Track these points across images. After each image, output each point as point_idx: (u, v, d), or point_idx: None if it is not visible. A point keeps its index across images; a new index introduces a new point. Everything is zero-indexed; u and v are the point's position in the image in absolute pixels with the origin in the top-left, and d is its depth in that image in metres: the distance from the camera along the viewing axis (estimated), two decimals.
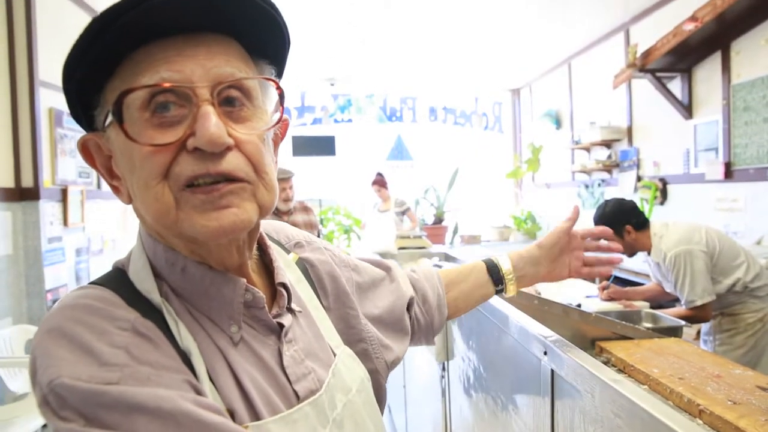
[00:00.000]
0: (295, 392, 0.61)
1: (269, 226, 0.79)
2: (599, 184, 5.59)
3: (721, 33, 3.82)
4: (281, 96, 0.61)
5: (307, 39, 5.28)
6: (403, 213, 5.84)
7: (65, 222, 3.76)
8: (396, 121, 7.74)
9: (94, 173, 4.29)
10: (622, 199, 2.56)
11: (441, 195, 7.38)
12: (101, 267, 4.38)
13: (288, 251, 0.77)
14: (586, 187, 5.84)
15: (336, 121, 7.47)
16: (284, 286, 0.66)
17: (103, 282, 0.58)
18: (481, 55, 6.20)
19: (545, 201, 7.02)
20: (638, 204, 4.70)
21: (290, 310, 0.67)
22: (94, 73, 0.54)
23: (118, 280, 0.58)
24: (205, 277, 0.59)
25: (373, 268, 0.90)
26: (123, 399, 0.46)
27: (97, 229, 4.34)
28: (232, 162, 0.54)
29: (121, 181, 0.59)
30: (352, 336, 0.77)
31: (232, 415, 0.54)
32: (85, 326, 0.50)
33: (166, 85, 0.52)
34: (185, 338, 0.55)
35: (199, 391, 0.52)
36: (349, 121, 7.53)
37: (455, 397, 2.04)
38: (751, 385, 1.18)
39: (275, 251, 0.70)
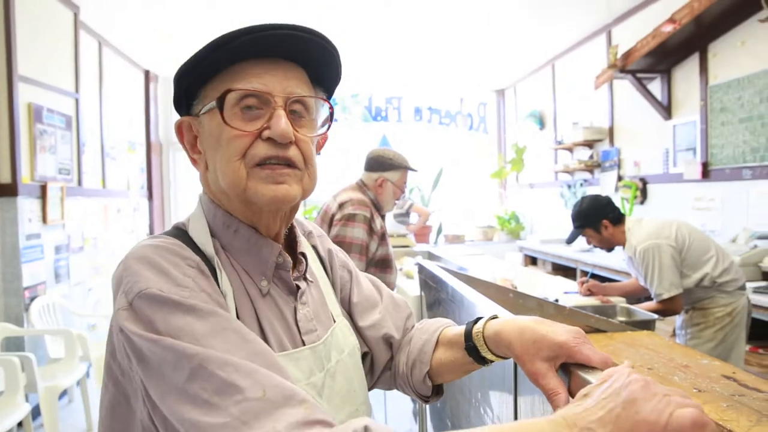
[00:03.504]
0: (303, 341, 0.79)
1: None
2: (581, 184, 5.65)
3: (699, 35, 3.89)
4: (331, 114, 0.83)
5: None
6: (407, 212, 5.79)
7: (44, 219, 3.71)
8: (381, 121, 7.74)
9: (75, 170, 4.24)
10: (598, 195, 2.61)
11: (426, 195, 7.41)
12: (82, 264, 4.33)
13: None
14: (569, 187, 5.90)
15: None
16: (304, 256, 0.87)
17: (172, 234, 0.77)
18: (466, 55, 6.23)
19: (529, 201, 7.07)
20: (619, 203, 4.79)
21: (305, 278, 0.86)
22: (202, 75, 0.76)
23: (181, 234, 0.77)
24: (251, 237, 0.79)
25: (370, 286, 1.02)
26: (192, 305, 0.64)
27: (78, 227, 4.30)
28: (293, 152, 0.75)
29: (201, 155, 0.80)
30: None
31: None
32: (164, 258, 0.69)
33: (256, 90, 0.73)
34: (224, 284, 0.73)
35: None
36: (335, 120, 7.51)
37: None
38: (716, 375, 1.21)
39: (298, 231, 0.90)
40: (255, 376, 0.59)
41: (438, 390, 0.95)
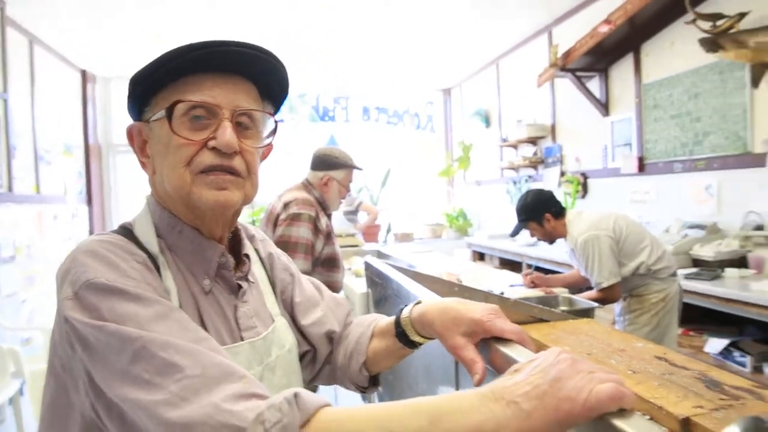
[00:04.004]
0: (242, 337, 0.83)
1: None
2: (526, 180, 5.79)
3: (633, 36, 4.06)
4: (275, 129, 0.88)
5: (237, 35, 5.17)
6: (356, 211, 5.80)
7: None
8: (329, 121, 7.72)
9: (5, 175, 4.03)
10: (541, 190, 2.69)
11: (374, 194, 7.43)
12: (13, 275, 4.11)
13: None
14: (514, 183, 6.04)
15: None
16: (247, 257, 0.91)
17: (118, 233, 0.80)
18: (412, 55, 6.28)
19: (476, 198, 7.20)
20: (562, 198, 4.94)
21: (247, 279, 0.90)
22: (155, 84, 0.79)
23: (127, 233, 0.80)
24: (195, 239, 0.82)
25: (311, 287, 1.07)
26: (138, 293, 0.67)
27: (8, 234, 4.07)
28: (237, 162, 0.79)
29: (149, 159, 0.83)
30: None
31: None
32: (112, 252, 0.72)
33: (205, 102, 0.77)
34: (168, 281, 0.77)
35: None
36: (281, 120, 7.44)
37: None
38: (649, 356, 1.26)
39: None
40: (196, 356, 0.63)
41: (374, 381, 1.01)
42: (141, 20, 4.67)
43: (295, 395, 0.57)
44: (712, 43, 3.21)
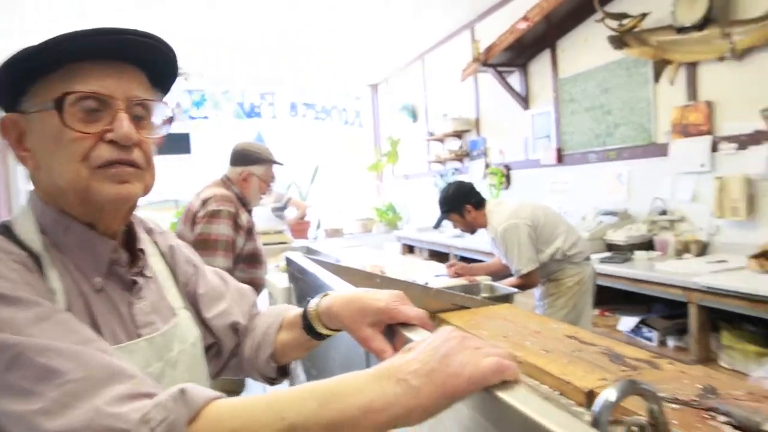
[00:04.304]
0: (138, 334, 0.79)
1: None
2: (453, 173, 5.92)
3: (549, 32, 4.24)
4: (171, 117, 0.85)
5: (156, 30, 4.96)
6: (284, 207, 5.72)
7: None
8: (255, 117, 7.57)
9: None
10: (462, 182, 2.78)
11: (303, 190, 7.37)
12: None
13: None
14: (441, 176, 6.16)
15: (191, 117, 7.13)
16: (143, 252, 0.87)
17: None
18: (339, 50, 6.26)
19: (405, 191, 7.29)
20: (486, 189, 5.09)
21: (143, 274, 0.85)
22: (33, 72, 0.73)
23: (6, 231, 0.74)
24: (84, 234, 0.77)
25: (215, 278, 1.04)
26: (16, 296, 0.63)
27: None
28: (137, 154, 0.76)
29: (29, 153, 0.77)
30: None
31: None
32: None
33: (99, 93, 0.73)
34: (54, 281, 0.71)
35: None
36: (205, 117, 7.23)
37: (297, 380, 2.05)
38: (562, 336, 1.33)
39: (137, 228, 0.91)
40: (79, 358, 0.59)
41: (283, 372, 1.00)
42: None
43: (181, 391, 0.55)
44: (618, 41, 3.41)
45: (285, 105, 7.68)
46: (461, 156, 5.71)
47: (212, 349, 0.99)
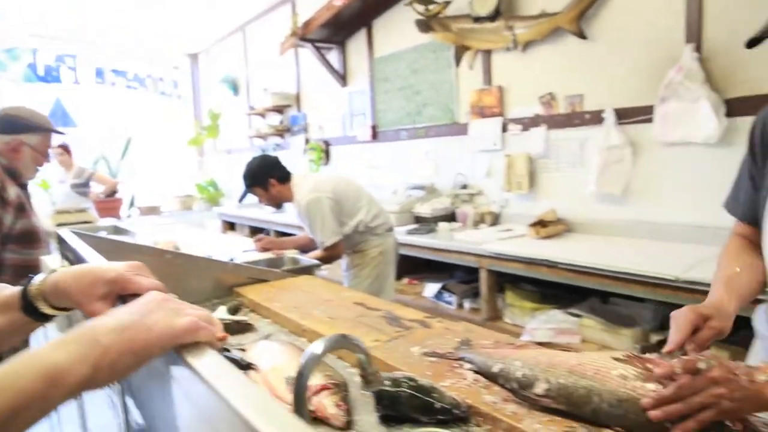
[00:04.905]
0: None
1: None
2: (274, 149, 5.84)
3: (366, 11, 4.33)
4: None
5: None
6: (87, 183, 5.13)
7: None
8: (53, 83, 6.68)
9: None
10: (267, 155, 2.76)
11: (114, 165, 6.73)
12: None
13: None
14: (263, 151, 6.04)
15: None
16: None
17: None
18: (153, 15, 5.75)
19: (227, 167, 7.03)
20: (306, 164, 5.12)
21: None
22: None
23: None
24: None
25: None
26: None
27: None
28: None
29: None
30: None
31: None
32: None
33: None
34: None
35: None
36: None
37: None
38: (350, 303, 1.39)
39: None
40: None
41: None
42: None
43: None
44: (425, 25, 3.61)
45: (89, 70, 6.89)
46: (282, 131, 5.65)
47: None
